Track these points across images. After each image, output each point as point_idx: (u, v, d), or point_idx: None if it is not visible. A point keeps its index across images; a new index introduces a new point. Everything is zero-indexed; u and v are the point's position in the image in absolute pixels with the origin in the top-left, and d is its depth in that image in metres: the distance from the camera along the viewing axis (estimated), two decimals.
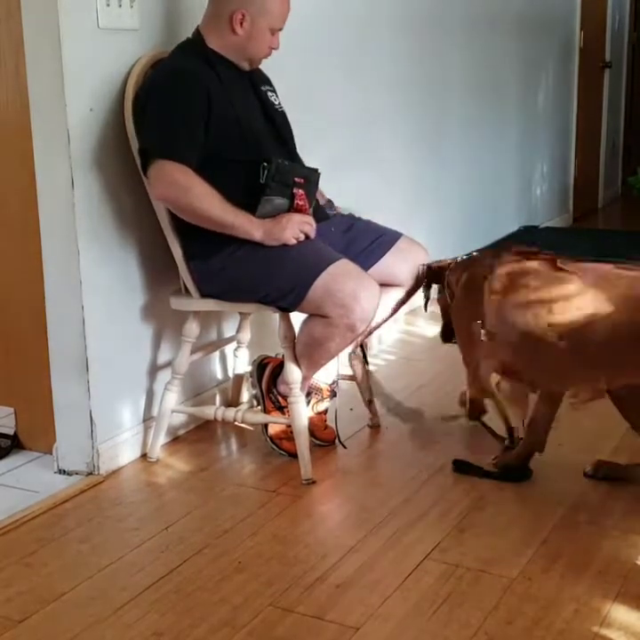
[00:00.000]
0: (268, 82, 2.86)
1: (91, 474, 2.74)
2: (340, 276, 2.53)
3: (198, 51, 2.67)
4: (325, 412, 2.90)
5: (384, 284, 2.72)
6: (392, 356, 3.80)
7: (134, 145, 2.64)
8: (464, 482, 2.66)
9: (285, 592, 2.12)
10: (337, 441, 2.91)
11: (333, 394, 2.88)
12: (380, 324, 2.93)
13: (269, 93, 2.82)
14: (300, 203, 2.61)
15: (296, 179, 2.61)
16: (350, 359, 3.00)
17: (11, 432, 2.94)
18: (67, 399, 2.74)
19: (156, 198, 2.64)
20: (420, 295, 2.91)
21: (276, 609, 2.06)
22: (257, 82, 2.79)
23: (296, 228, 2.58)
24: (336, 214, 2.90)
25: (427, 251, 2.92)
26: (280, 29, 2.71)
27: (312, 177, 2.68)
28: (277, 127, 2.77)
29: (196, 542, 2.36)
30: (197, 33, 2.70)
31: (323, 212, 2.82)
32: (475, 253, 2.96)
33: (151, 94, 2.60)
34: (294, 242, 2.58)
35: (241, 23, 2.63)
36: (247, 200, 2.58)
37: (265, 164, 2.58)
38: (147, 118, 2.60)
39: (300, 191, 2.61)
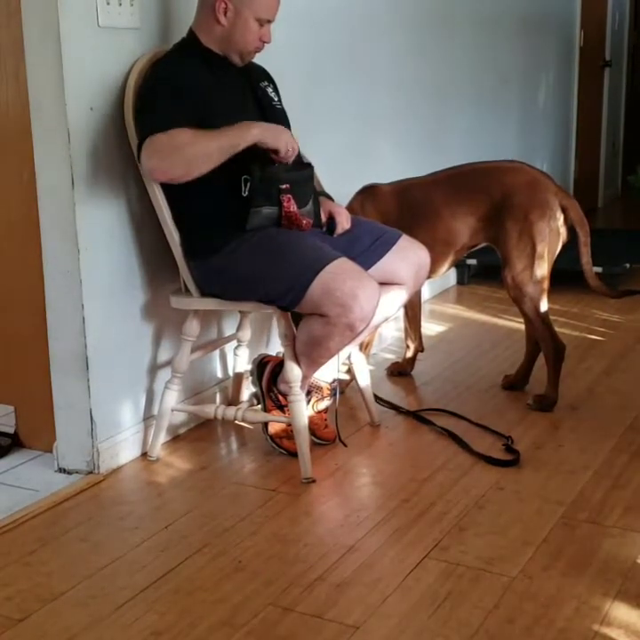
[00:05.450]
0: (266, 77, 2.85)
1: (91, 473, 2.74)
2: (339, 275, 2.53)
3: (194, 50, 2.67)
4: (325, 410, 2.90)
5: (385, 283, 2.73)
6: (392, 354, 3.80)
7: (134, 144, 2.64)
8: (464, 481, 2.67)
9: (285, 591, 2.12)
10: (337, 439, 2.91)
11: (334, 392, 2.88)
12: (382, 323, 2.93)
13: (268, 90, 2.81)
14: (289, 208, 2.61)
15: (281, 186, 2.60)
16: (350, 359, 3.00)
17: (11, 431, 2.94)
18: (67, 398, 2.74)
19: (153, 178, 2.55)
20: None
21: (276, 608, 2.06)
22: (254, 78, 2.79)
23: (291, 141, 2.59)
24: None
25: (427, 250, 2.92)
26: (269, 21, 2.66)
27: (300, 177, 2.66)
28: None
29: (195, 541, 2.36)
30: (191, 32, 2.70)
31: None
32: None
33: (146, 96, 2.60)
34: (287, 152, 2.57)
35: (225, 12, 2.62)
36: (243, 199, 2.58)
37: (246, 177, 2.57)
38: (140, 120, 2.59)
39: (287, 196, 2.61)
